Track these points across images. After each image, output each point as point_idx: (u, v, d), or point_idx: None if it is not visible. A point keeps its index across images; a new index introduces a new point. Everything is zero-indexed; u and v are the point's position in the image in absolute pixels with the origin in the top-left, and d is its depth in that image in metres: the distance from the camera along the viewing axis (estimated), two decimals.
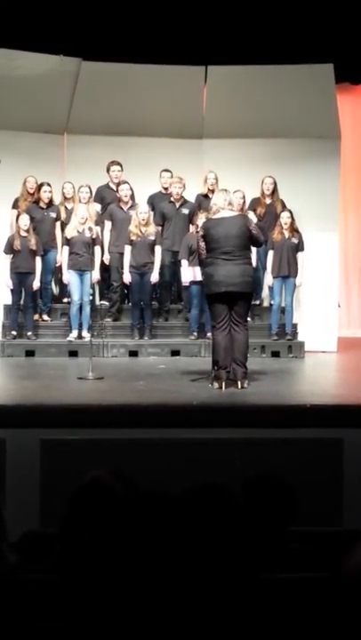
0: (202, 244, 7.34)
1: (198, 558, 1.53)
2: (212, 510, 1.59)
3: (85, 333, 9.61)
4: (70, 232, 9.84)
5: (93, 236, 9.84)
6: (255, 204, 10.34)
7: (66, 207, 10.30)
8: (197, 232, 7.50)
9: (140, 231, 9.84)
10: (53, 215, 10.18)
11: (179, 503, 1.62)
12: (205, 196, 10.32)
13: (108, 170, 10.39)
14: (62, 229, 10.11)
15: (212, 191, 10.27)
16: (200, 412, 6.31)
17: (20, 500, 5.50)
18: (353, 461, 5.86)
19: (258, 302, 10.32)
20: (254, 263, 9.08)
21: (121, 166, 10.34)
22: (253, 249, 8.38)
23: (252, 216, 9.07)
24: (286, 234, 10.10)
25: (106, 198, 10.41)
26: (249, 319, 7.93)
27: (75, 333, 9.71)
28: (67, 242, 9.87)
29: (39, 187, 10.12)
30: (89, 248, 9.83)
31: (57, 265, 10.20)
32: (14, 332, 9.77)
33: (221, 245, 7.16)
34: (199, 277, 8.40)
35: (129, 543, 1.63)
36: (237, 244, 7.20)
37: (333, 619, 1.98)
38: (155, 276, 9.97)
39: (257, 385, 7.42)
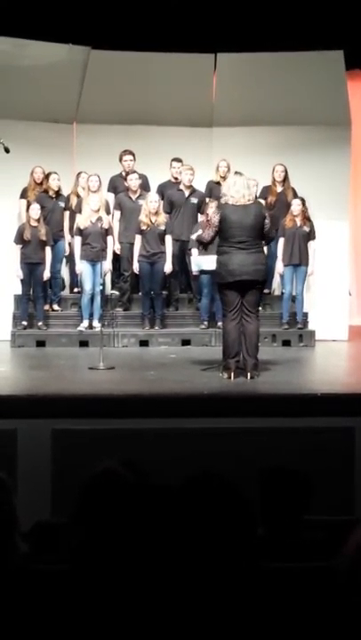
0: (215, 221, 7.21)
1: (199, 548, 1.52)
2: (210, 498, 1.57)
3: (96, 323, 9.60)
4: (83, 222, 9.81)
5: (105, 226, 9.81)
6: (266, 192, 10.30)
7: (78, 196, 10.26)
8: (213, 205, 7.17)
9: (151, 220, 9.81)
10: (62, 204, 10.18)
11: (178, 492, 1.61)
12: (218, 184, 10.27)
13: (120, 159, 10.35)
14: (71, 218, 10.10)
15: (224, 178, 10.21)
16: (211, 402, 6.30)
17: (31, 490, 5.51)
18: None
19: (268, 291, 10.29)
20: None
21: (133, 156, 10.28)
22: None
23: None
24: (298, 222, 10.05)
25: (118, 188, 10.37)
26: (260, 308, 7.88)
27: (85, 323, 9.70)
28: (79, 232, 9.85)
29: (47, 176, 10.11)
30: (101, 238, 9.80)
31: (66, 254, 10.20)
32: (25, 323, 9.78)
33: (237, 234, 7.12)
34: (209, 267, 8.35)
35: (138, 533, 1.63)
36: (253, 233, 7.16)
37: (341, 607, 1.97)
38: (168, 266, 9.93)
39: (268, 374, 7.40)
